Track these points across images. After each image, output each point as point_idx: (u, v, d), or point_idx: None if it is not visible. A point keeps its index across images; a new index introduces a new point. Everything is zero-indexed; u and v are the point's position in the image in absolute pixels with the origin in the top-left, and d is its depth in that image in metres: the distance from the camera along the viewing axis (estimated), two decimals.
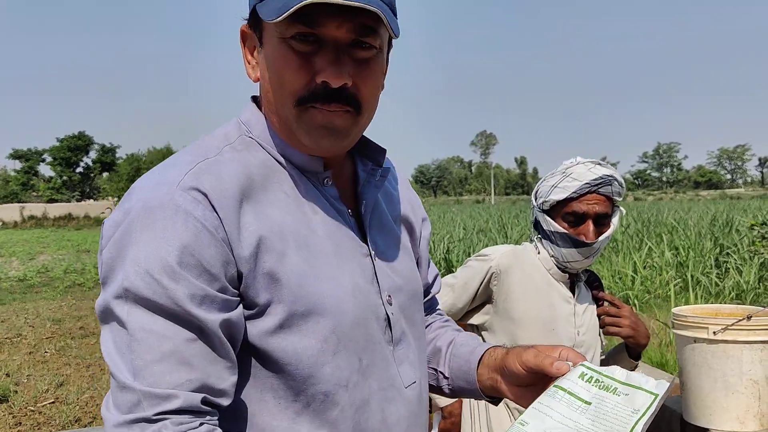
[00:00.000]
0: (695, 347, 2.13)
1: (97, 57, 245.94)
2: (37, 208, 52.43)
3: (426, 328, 1.27)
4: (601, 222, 2.02)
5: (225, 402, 0.89)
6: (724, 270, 10.38)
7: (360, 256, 1.02)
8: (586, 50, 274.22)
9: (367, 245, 1.04)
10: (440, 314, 1.36)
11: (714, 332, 2.07)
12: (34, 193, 66.66)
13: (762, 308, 2.14)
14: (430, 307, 1.34)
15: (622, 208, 2.10)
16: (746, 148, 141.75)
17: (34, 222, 50.38)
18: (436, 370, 1.21)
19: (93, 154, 69.13)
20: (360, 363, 0.98)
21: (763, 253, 5.88)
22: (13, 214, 51.69)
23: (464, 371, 1.16)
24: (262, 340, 0.92)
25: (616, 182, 2.01)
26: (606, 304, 2.12)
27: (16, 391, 5.86)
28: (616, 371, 0.95)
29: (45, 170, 72.48)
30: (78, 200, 62.11)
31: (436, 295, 1.38)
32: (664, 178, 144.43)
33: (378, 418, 1.00)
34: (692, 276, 9.76)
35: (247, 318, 0.92)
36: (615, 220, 2.05)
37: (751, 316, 2.06)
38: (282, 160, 1.00)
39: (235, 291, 0.91)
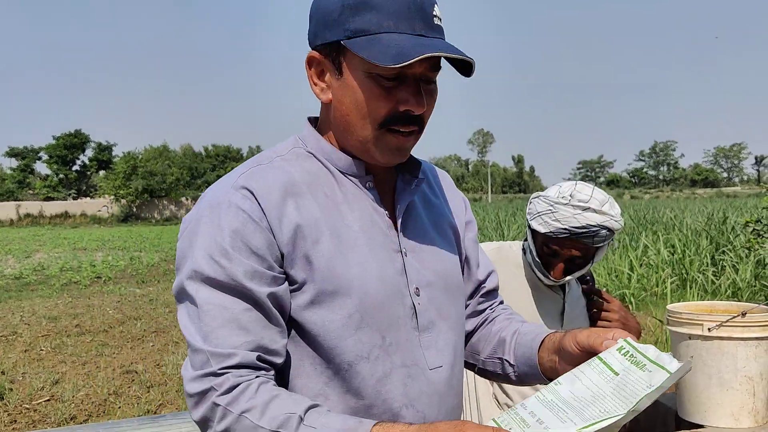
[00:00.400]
0: (690, 344, 2.13)
1: (93, 54, 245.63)
2: (33, 206, 52.35)
3: (491, 322, 1.42)
4: (577, 262, 1.97)
5: (278, 360, 1.09)
6: (720, 268, 10.41)
7: (391, 251, 1.18)
8: (583, 48, 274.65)
9: (399, 243, 1.19)
10: (504, 308, 1.47)
11: (709, 329, 2.07)
12: (30, 191, 66.53)
13: (757, 305, 2.14)
14: (488, 301, 1.45)
15: (613, 241, 2.06)
16: (742, 147, 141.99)
17: (30, 220, 50.32)
18: (501, 359, 1.34)
19: (89, 152, 68.99)
20: (383, 340, 1.13)
21: (758, 251, 5.88)
22: (9, 212, 51.56)
23: (527, 357, 1.28)
24: (298, 313, 1.11)
25: (603, 230, 1.90)
26: (595, 298, 2.12)
27: (12, 389, 5.85)
28: (650, 349, 1.02)
29: (41, 168, 72.43)
30: (74, 198, 62.05)
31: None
32: (661, 177, 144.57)
33: (400, 391, 1.14)
34: (688, 274, 9.78)
35: (290, 293, 1.11)
36: (601, 254, 2.00)
37: (745, 313, 2.06)
38: (330, 167, 1.19)
39: (280, 270, 1.10)
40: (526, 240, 2.15)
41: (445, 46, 1.07)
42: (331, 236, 1.12)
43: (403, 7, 1.07)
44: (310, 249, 1.10)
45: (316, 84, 1.17)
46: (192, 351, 1.06)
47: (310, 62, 1.16)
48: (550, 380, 1.18)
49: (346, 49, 1.10)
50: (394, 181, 1.25)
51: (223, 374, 1.02)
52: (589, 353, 1.10)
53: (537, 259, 1.99)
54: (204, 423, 1.04)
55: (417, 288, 1.19)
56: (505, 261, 2.08)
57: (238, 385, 1.02)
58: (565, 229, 1.89)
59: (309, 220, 1.11)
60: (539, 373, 1.25)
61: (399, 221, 1.21)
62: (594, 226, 1.88)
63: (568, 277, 1.98)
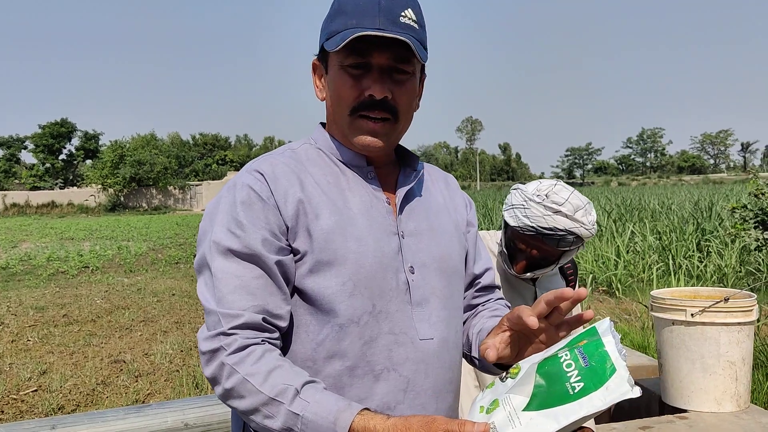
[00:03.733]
0: (673, 329, 2.15)
1: (79, 43, 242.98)
2: (19, 196, 51.91)
3: (474, 317, 1.49)
4: (539, 264, 1.97)
5: (282, 324, 1.21)
6: (705, 254, 10.49)
7: (389, 233, 1.30)
8: (570, 35, 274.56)
9: (397, 226, 1.31)
10: (501, 304, 1.54)
11: (692, 314, 2.09)
12: (17, 181, 65.94)
13: (739, 291, 2.16)
14: (484, 296, 1.54)
15: (583, 246, 2.01)
16: (729, 133, 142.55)
17: (17, 210, 49.90)
18: (468, 355, 1.45)
19: (76, 141, 68.33)
20: (373, 308, 1.24)
21: (743, 237, 5.92)
22: None
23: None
24: (300, 281, 1.23)
25: (571, 236, 1.89)
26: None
27: None
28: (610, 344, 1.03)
29: (27, 157, 71.78)
30: (61, 188, 61.53)
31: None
32: (648, 164, 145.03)
33: (384, 355, 1.24)
34: (674, 260, 9.84)
35: (294, 264, 1.24)
36: (567, 257, 1.99)
37: (728, 299, 2.08)
38: (335, 159, 1.34)
39: (287, 242, 1.23)
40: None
41: (396, 35, 1.19)
42: (331, 213, 1.25)
43: (369, 8, 1.22)
44: (312, 223, 1.23)
45: (316, 86, 1.36)
46: (206, 314, 1.19)
47: (313, 68, 1.37)
48: (502, 368, 1.29)
49: (326, 50, 1.27)
50: (397, 175, 1.40)
51: (232, 334, 1.14)
52: (520, 329, 1.20)
53: (504, 250, 2.01)
54: (213, 380, 1.16)
55: (411, 267, 1.30)
56: None
57: (245, 347, 1.14)
58: (532, 227, 1.89)
59: (311, 198, 1.25)
60: (491, 366, 1.33)
61: (397, 207, 1.34)
62: (561, 230, 1.87)
63: (529, 274, 1.99)
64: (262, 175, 1.26)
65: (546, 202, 1.89)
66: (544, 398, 0.99)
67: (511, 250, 2.00)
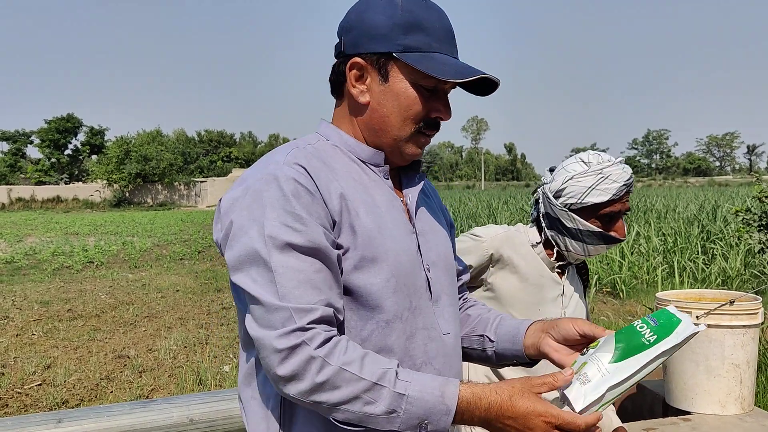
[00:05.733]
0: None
1: (85, 37, 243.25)
2: (24, 191, 52.06)
3: (469, 307, 1.61)
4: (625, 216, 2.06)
5: (341, 318, 1.21)
6: (710, 256, 10.46)
7: (409, 231, 1.34)
8: (576, 37, 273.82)
9: (414, 226, 1.37)
10: (474, 299, 1.67)
11: (697, 317, 2.09)
12: (22, 175, 66.11)
13: (744, 293, 2.16)
14: (461, 291, 1.62)
15: None
16: (735, 136, 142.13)
17: (22, 204, 50.06)
18: (482, 335, 1.52)
19: (81, 137, 68.56)
20: (410, 304, 1.29)
21: (747, 240, 5.90)
22: (1, 196, 51.28)
23: (512, 335, 1.46)
24: (345, 276, 1.23)
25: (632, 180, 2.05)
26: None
27: (3, 374, 5.85)
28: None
29: (33, 152, 71.99)
30: (66, 183, 61.69)
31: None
32: (654, 165, 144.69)
33: (422, 349, 1.30)
34: (679, 262, 9.82)
35: None
36: None
37: (733, 301, 2.08)
38: (353, 157, 1.35)
39: (336, 235, 1.23)
40: (538, 228, 2.16)
41: (480, 71, 1.28)
42: (366, 212, 1.27)
43: (444, 34, 1.30)
44: (354, 220, 1.24)
45: (354, 86, 1.32)
46: (268, 311, 1.13)
47: (353, 66, 1.31)
48: (528, 358, 1.45)
49: (395, 60, 1.29)
50: (398, 176, 1.44)
51: (311, 329, 1.12)
52: (587, 340, 1.33)
53: (599, 231, 2.02)
54: (294, 376, 1.11)
55: (428, 265, 1.36)
56: (514, 246, 2.10)
57: (330, 339, 1.13)
58: (623, 184, 1.98)
59: (349, 194, 1.26)
60: (521, 349, 1.44)
61: (413, 207, 1.39)
62: (631, 177, 2.01)
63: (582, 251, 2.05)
64: (304, 168, 1.23)
65: (613, 162, 2.01)
66: (625, 351, 1.18)
67: (605, 222, 2.02)
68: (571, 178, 2.02)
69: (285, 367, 1.11)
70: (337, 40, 1.35)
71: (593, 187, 1.98)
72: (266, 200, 1.18)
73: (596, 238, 2.02)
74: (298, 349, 1.10)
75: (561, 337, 1.38)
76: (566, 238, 2.05)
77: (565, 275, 2.13)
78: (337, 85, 1.37)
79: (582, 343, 1.35)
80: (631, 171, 2.02)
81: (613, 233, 2.01)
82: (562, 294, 2.09)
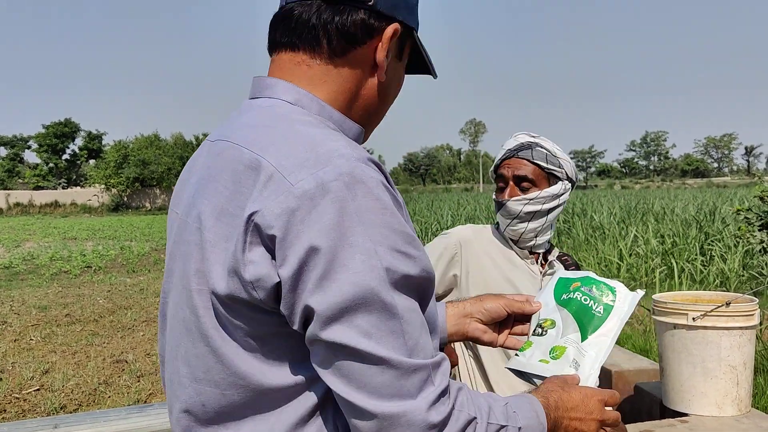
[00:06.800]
0: (675, 333, 2.15)
1: (83, 43, 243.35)
2: (23, 195, 52.02)
3: None
4: (524, 187, 2.08)
5: None
6: (708, 257, 10.47)
7: None
8: (574, 39, 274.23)
9: None
10: None
11: (693, 318, 2.09)
12: (20, 180, 66.14)
13: (741, 295, 2.16)
14: None
15: (566, 182, 2.11)
16: (733, 137, 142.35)
17: (20, 209, 50.02)
18: None
19: (79, 141, 68.53)
20: None
21: (748, 238, 5.92)
22: None
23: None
24: None
25: (538, 148, 2.07)
26: None
27: (1, 379, 5.83)
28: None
29: (31, 157, 71.95)
30: (64, 187, 61.72)
31: None
32: (652, 167, 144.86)
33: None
34: (677, 263, 9.83)
35: None
36: (554, 190, 2.08)
37: (730, 303, 2.08)
38: (341, 132, 1.03)
39: None
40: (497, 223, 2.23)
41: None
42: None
43: None
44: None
45: (385, 55, 1.04)
46: (402, 374, 0.84)
47: (395, 33, 1.03)
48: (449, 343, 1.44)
49: (411, 39, 1.10)
50: None
51: (447, 388, 0.88)
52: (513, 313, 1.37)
53: (494, 198, 2.15)
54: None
55: None
56: (480, 238, 2.18)
57: (459, 390, 0.92)
58: (507, 149, 2.10)
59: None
60: (445, 337, 1.39)
61: None
62: (528, 142, 2.08)
63: (514, 198, 2.07)
64: (377, 166, 0.91)
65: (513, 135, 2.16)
66: (588, 327, 1.26)
67: (500, 190, 2.14)
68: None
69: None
70: None
71: (497, 158, 2.17)
72: (359, 215, 0.84)
73: (496, 207, 2.14)
74: (452, 418, 0.87)
75: (489, 318, 1.37)
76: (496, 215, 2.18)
77: (545, 271, 2.16)
78: (326, 34, 1.00)
79: (508, 319, 1.39)
80: (526, 140, 2.09)
81: (495, 195, 2.14)
82: (540, 288, 2.11)
